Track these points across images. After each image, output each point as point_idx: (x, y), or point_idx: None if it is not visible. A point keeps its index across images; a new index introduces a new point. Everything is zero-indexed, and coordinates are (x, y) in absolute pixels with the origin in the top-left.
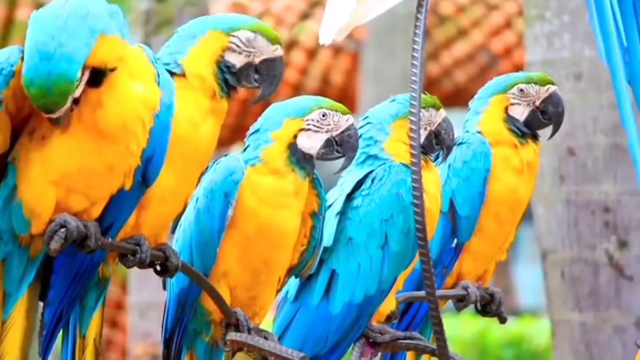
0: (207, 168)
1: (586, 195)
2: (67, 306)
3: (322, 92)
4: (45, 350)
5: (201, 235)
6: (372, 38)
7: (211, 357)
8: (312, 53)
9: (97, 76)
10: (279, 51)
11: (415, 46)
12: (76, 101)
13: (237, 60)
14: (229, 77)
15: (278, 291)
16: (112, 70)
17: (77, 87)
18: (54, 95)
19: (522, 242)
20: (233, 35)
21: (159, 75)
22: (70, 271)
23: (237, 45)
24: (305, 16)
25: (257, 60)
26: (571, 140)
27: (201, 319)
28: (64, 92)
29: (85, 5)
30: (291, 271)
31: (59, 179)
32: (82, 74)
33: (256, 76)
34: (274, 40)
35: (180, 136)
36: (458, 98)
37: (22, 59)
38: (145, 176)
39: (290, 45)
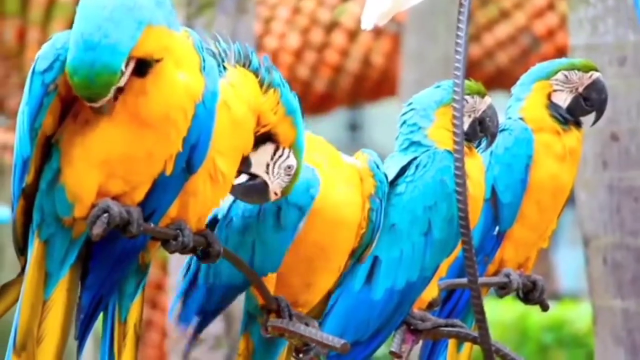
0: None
1: (629, 181)
2: (106, 291)
3: (362, 74)
4: (82, 333)
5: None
6: (413, 20)
7: (268, 344)
8: (353, 35)
9: (143, 66)
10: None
11: (459, 32)
12: (120, 90)
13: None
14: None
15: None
16: (158, 61)
17: (121, 78)
18: (97, 86)
19: (562, 225)
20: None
21: (204, 61)
22: (110, 256)
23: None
24: None
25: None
26: (614, 125)
27: (254, 302)
28: (106, 82)
29: None
30: (352, 255)
31: (100, 163)
32: (127, 65)
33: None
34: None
35: (234, 121)
36: (499, 80)
37: None
38: (189, 163)
39: (331, 27)
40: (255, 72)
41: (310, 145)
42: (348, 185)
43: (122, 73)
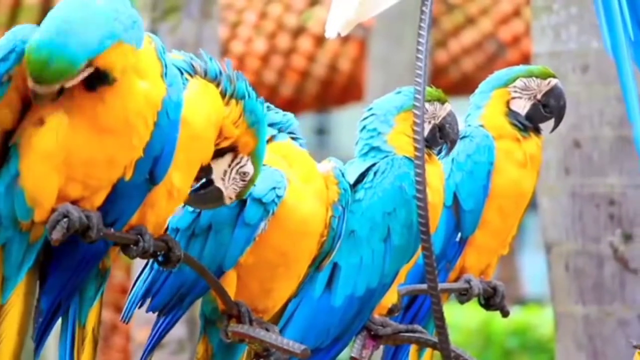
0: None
1: (591, 188)
2: (66, 296)
3: (329, 78)
4: (40, 337)
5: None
6: (381, 25)
7: (227, 348)
8: (320, 40)
9: (96, 79)
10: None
11: (420, 39)
12: (60, 92)
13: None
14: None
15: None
16: (115, 80)
17: (73, 77)
18: (52, 70)
19: (528, 231)
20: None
21: (166, 67)
22: (71, 261)
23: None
24: (313, 3)
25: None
26: (577, 132)
27: (210, 306)
28: (62, 70)
29: (116, 8)
30: (312, 263)
31: (60, 167)
32: (85, 68)
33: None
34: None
35: (192, 135)
36: (465, 86)
37: None
38: (152, 174)
39: (298, 32)
40: (216, 83)
41: (288, 157)
42: (317, 199)
43: (78, 72)
